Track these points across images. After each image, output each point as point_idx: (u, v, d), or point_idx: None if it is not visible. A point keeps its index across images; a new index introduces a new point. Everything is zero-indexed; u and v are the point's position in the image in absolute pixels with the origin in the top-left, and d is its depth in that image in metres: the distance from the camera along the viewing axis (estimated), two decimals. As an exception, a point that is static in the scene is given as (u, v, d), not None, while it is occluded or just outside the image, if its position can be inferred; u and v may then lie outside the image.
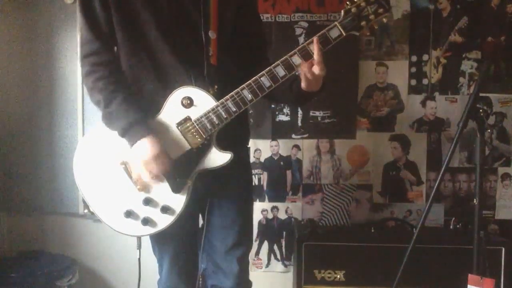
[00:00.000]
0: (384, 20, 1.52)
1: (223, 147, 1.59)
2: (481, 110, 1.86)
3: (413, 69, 2.67)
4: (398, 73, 2.68)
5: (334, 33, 1.50)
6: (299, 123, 2.72)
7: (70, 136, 2.75)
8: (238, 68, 1.67)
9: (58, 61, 2.75)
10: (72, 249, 2.81)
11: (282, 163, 2.75)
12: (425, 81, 2.68)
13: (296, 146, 2.74)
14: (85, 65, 1.61)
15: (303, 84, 1.55)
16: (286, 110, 2.72)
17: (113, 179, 1.61)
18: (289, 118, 2.72)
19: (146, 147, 1.54)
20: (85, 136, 1.75)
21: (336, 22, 1.51)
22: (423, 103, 2.68)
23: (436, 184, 2.04)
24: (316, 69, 1.50)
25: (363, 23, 1.50)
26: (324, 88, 1.61)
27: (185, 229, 1.73)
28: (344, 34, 1.50)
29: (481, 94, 1.90)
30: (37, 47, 2.75)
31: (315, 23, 2.65)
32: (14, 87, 2.78)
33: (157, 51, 1.58)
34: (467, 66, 2.65)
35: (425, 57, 2.66)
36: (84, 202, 1.67)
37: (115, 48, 1.64)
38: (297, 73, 1.56)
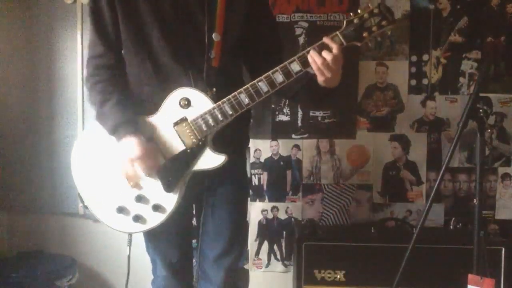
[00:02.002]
0: (388, 32, 1.52)
1: (218, 151, 1.60)
2: (481, 110, 1.86)
3: (413, 69, 2.67)
4: (398, 73, 2.67)
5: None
6: (299, 123, 2.72)
7: (70, 136, 2.74)
8: (250, 72, 1.67)
9: (58, 61, 2.75)
10: (72, 249, 2.81)
11: (282, 163, 2.74)
12: (425, 81, 2.67)
13: (296, 146, 2.73)
14: (89, 67, 1.65)
15: (319, 79, 1.53)
16: (286, 110, 2.71)
17: (108, 175, 1.64)
18: (289, 118, 2.72)
19: (131, 145, 1.56)
20: (84, 131, 1.77)
21: (337, 32, 1.50)
22: (423, 103, 2.68)
23: (436, 184, 2.04)
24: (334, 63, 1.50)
25: (365, 34, 1.49)
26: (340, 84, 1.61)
27: (179, 227, 1.74)
28: (345, 44, 1.50)
29: (481, 94, 1.90)
30: (37, 47, 2.75)
31: (315, 23, 2.65)
32: (14, 87, 2.78)
33: (158, 52, 1.58)
34: (467, 66, 2.65)
35: (425, 57, 2.65)
36: (79, 196, 1.69)
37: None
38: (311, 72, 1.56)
